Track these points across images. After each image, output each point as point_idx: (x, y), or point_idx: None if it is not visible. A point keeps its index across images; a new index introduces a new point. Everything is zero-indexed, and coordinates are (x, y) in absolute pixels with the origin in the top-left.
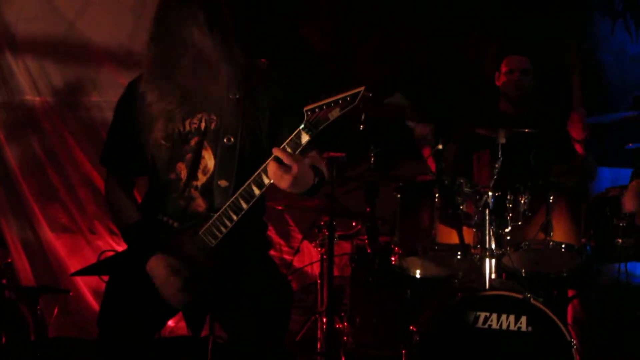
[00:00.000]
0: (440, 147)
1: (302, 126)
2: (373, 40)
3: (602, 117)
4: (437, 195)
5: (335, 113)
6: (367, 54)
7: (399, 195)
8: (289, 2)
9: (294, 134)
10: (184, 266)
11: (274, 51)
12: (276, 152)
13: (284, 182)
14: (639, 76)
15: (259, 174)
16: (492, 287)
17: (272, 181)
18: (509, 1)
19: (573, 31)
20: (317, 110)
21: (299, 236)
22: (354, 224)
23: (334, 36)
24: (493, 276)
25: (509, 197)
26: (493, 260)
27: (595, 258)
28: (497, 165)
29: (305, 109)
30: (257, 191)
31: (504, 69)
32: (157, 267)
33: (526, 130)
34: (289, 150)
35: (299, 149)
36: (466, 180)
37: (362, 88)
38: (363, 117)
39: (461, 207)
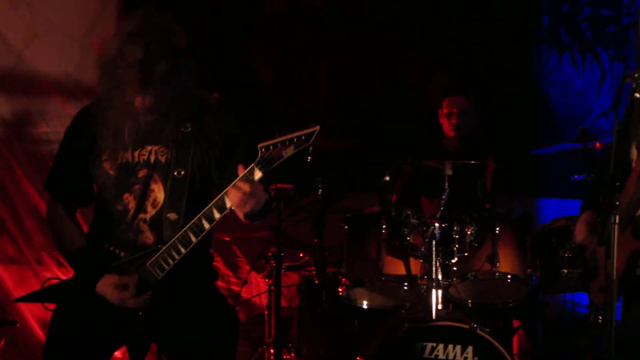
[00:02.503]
0: (387, 178)
1: (255, 162)
2: (320, 71)
3: (549, 149)
4: (384, 226)
5: (289, 151)
6: (314, 84)
7: (346, 226)
8: (238, 35)
9: (247, 170)
10: (132, 284)
11: (224, 84)
12: (240, 183)
13: (245, 209)
14: (585, 108)
15: (210, 208)
16: (438, 317)
17: (223, 214)
18: (456, 33)
19: (520, 64)
20: (271, 147)
21: (247, 267)
22: (301, 255)
23: (282, 68)
24: (440, 307)
25: (455, 228)
26: (440, 291)
27: (541, 288)
28: (443, 197)
29: (260, 145)
30: (207, 225)
31: (444, 110)
32: (106, 285)
33: (472, 162)
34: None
35: (246, 194)
36: (413, 211)
37: (317, 128)
38: (311, 148)
39: (408, 238)
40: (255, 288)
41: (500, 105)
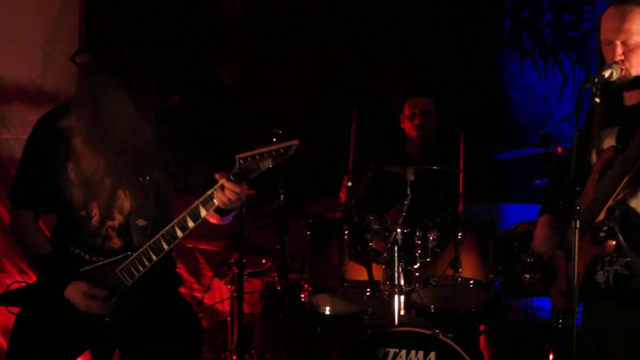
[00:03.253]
0: (349, 184)
1: (232, 174)
2: (284, 77)
3: (511, 154)
4: (346, 232)
5: (267, 163)
6: (278, 91)
7: (308, 232)
8: (202, 42)
9: (223, 180)
10: (100, 290)
11: (188, 90)
12: (228, 184)
13: (231, 206)
14: (547, 113)
15: (184, 217)
16: (401, 323)
17: (197, 224)
18: (420, 38)
19: (482, 69)
20: (249, 159)
21: (210, 274)
22: (264, 261)
23: (245, 74)
24: (402, 312)
25: (417, 233)
26: (402, 297)
27: (503, 293)
28: (406, 203)
29: (237, 156)
30: (180, 233)
31: (406, 111)
32: (75, 291)
33: (434, 167)
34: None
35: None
36: (375, 217)
37: (296, 142)
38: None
39: (370, 244)
40: (218, 294)
41: (463, 110)
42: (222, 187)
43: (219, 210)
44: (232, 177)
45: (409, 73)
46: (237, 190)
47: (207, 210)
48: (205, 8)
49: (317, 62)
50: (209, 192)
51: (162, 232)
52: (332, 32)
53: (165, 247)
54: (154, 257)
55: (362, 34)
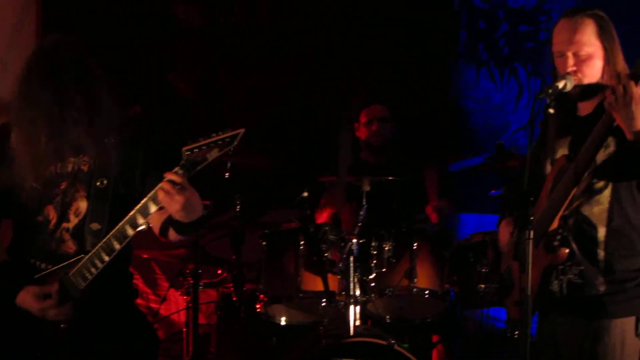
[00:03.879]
0: (305, 194)
1: (180, 165)
2: (240, 86)
3: (466, 164)
4: (302, 242)
5: (213, 154)
6: (234, 100)
7: (264, 243)
8: (158, 51)
9: (172, 171)
10: (53, 292)
11: (145, 100)
12: (168, 174)
13: (176, 204)
14: (503, 123)
15: (134, 214)
16: (356, 333)
17: (147, 220)
18: (376, 48)
19: (439, 79)
20: (195, 150)
21: (166, 284)
22: (219, 271)
23: (202, 83)
24: (358, 323)
25: (373, 244)
26: (358, 307)
27: (459, 303)
28: (361, 213)
29: (183, 149)
30: (131, 232)
31: (362, 119)
32: (27, 295)
33: (389, 177)
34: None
35: (177, 187)
36: (331, 227)
37: (242, 130)
38: (229, 164)
39: (326, 254)
40: (174, 305)
41: (419, 120)
42: (168, 181)
43: (178, 228)
44: (179, 170)
45: (364, 82)
46: (178, 180)
47: (156, 205)
48: (161, 17)
49: (273, 71)
50: (157, 188)
51: (113, 231)
52: (288, 41)
53: (117, 246)
54: (106, 258)
55: (317, 43)
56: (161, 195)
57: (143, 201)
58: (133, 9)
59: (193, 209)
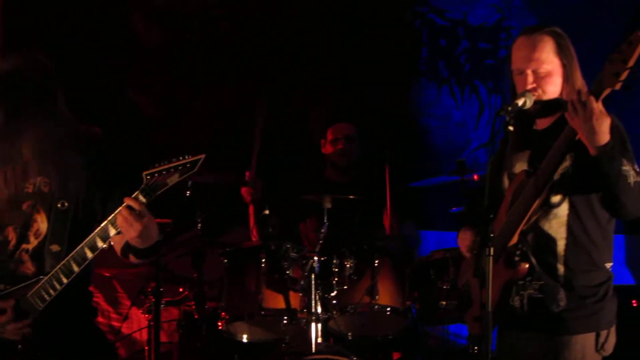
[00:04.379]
0: (266, 212)
1: (140, 190)
2: (200, 104)
3: (427, 181)
4: (263, 260)
5: (174, 179)
6: (195, 118)
7: (225, 261)
8: (118, 67)
9: (132, 197)
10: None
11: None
12: (128, 200)
13: (133, 231)
14: (465, 140)
15: (94, 237)
16: (318, 351)
17: (107, 243)
18: (337, 65)
19: (399, 97)
20: (156, 175)
21: (128, 303)
22: (181, 289)
23: (162, 102)
24: (319, 340)
25: (334, 261)
26: (319, 325)
27: (420, 320)
28: (323, 230)
29: (144, 173)
30: (89, 254)
31: (329, 137)
32: None
33: (350, 197)
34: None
35: (135, 213)
36: (292, 245)
37: (202, 156)
38: (190, 183)
39: (287, 272)
40: (136, 323)
41: (380, 137)
42: (127, 207)
43: (135, 253)
44: (139, 195)
45: (325, 99)
46: (137, 206)
47: (116, 229)
48: (120, 34)
49: (234, 88)
50: (117, 211)
51: (72, 253)
52: (248, 58)
53: (76, 268)
54: (65, 280)
55: (279, 61)
56: (119, 221)
57: (102, 225)
58: (92, 26)
59: (149, 235)
